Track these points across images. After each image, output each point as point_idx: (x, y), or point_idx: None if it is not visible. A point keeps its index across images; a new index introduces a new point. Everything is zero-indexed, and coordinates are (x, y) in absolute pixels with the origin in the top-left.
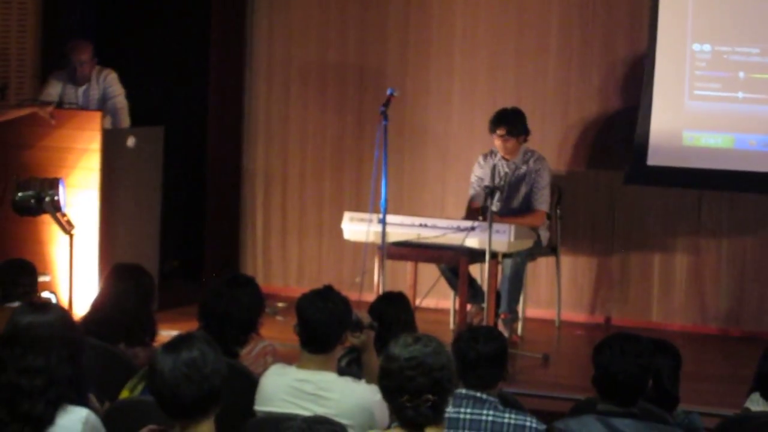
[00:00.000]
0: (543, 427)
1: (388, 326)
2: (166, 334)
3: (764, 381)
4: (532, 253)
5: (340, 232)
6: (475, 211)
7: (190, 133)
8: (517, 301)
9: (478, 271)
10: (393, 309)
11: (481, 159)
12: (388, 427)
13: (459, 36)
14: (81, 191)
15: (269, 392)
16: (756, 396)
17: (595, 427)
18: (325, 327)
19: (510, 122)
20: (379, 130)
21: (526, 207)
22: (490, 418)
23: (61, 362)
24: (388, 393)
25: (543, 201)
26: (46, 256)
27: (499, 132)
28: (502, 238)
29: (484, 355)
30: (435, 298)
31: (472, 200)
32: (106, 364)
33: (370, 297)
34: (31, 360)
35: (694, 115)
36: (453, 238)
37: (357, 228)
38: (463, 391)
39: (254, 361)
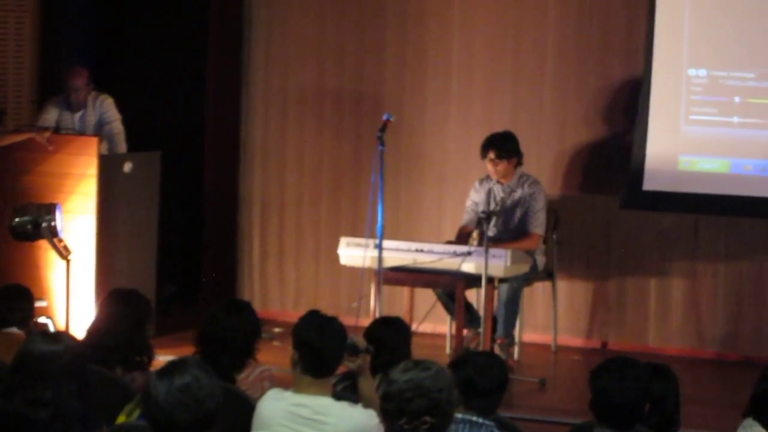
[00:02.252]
0: None
1: (384, 350)
2: (164, 359)
3: (760, 402)
4: (528, 278)
5: (336, 257)
6: (466, 236)
7: (187, 158)
8: (513, 326)
9: (475, 296)
10: (389, 333)
11: (477, 184)
12: None
13: (455, 61)
14: (78, 217)
15: (266, 417)
16: (749, 421)
17: None
18: (328, 351)
19: (498, 145)
20: (375, 156)
21: (522, 231)
22: None
23: (70, 397)
24: (387, 416)
25: (538, 224)
26: (43, 282)
27: (489, 156)
28: (499, 263)
29: (489, 385)
30: (432, 323)
31: (465, 225)
32: (103, 389)
33: (367, 322)
34: (39, 391)
35: (690, 139)
36: (449, 263)
37: (354, 253)
38: (459, 415)
39: (251, 386)
